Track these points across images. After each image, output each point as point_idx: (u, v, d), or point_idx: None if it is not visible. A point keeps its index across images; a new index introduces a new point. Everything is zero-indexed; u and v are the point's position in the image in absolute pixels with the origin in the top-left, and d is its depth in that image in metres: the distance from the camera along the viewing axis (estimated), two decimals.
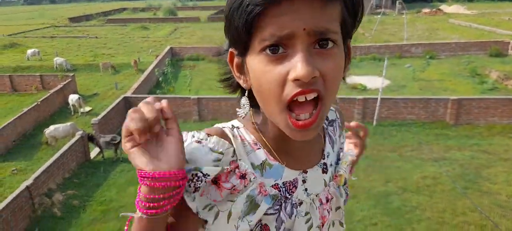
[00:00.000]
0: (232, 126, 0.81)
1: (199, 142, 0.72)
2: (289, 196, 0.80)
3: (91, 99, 17.21)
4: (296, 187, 0.81)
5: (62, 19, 52.42)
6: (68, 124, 12.59)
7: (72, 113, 15.39)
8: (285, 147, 0.80)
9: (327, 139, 0.92)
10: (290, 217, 0.79)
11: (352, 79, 18.38)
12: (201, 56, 23.69)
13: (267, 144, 0.79)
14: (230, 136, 0.76)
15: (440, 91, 15.89)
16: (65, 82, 17.03)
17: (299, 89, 0.62)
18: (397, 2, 42.84)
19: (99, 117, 12.13)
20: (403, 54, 22.38)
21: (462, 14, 41.24)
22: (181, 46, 25.61)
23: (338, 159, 0.94)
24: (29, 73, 20.19)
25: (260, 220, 0.77)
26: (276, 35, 0.61)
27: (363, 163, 10.59)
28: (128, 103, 14.07)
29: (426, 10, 44.78)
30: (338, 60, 0.65)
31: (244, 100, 0.76)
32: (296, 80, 0.62)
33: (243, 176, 0.74)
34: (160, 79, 18.01)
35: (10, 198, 7.98)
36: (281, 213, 0.78)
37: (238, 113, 0.78)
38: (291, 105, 0.65)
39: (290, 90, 0.63)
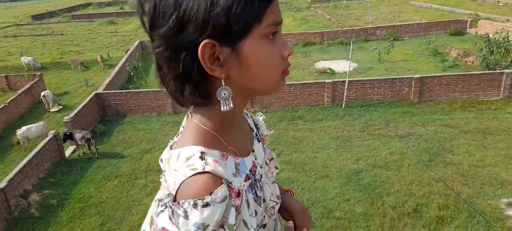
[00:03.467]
0: (200, 156, 0.80)
1: (207, 205, 0.74)
2: (255, 177, 0.92)
3: (61, 97, 16.89)
4: (256, 167, 0.93)
5: (24, 17, 50.38)
6: (41, 123, 12.42)
7: (47, 108, 15.32)
8: (235, 137, 0.90)
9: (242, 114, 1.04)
10: (261, 190, 0.92)
11: (321, 64, 18.86)
12: None
13: (227, 146, 0.86)
14: (215, 169, 0.78)
15: (404, 71, 16.58)
16: (33, 82, 16.62)
17: (289, 63, 0.83)
18: None
19: (72, 114, 12.01)
20: (368, 37, 23.06)
21: None
22: None
23: (256, 126, 1.08)
24: None
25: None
26: (276, 20, 0.77)
27: (335, 143, 11.04)
28: (100, 100, 13.97)
29: None
30: None
31: (227, 90, 0.79)
32: (288, 56, 0.82)
33: (238, 194, 0.82)
34: (132, 73, 17.87)
35: None
36: (257, 192, 0.90)
37: (226, 96, 0.80)
38: None
39: (286, 63, 0.83)
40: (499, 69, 14.40)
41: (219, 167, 0.79)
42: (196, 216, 0.73)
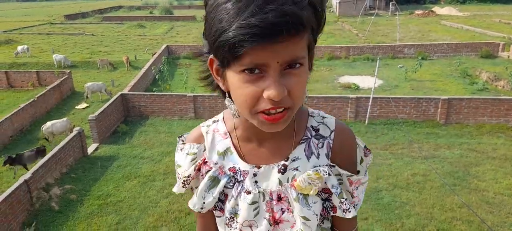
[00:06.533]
0: (213, 121, 1.03)
1: (181, 150, 1.02)
2: (241, 180, 0.96)
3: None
4: (246, 175, 0.96)
5: (58, 16, 52.20)
6: (64, 119, 12.74)
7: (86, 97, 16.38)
8: (251, 137, 0.95)
9: (303, 146, 0.95)
10: (237, 196, 0.96)
11: (346, 79, 18.66)
12: None
13: (235, 136, 0.97)
14: (204, 134, 1.01)
15: (431, 91, 16.19)
16: (62, 79, 17.13)
17: (270, 106, 0.74)
18: (391, 3, 43.17)
19: (97, 113, 12.26)
20: (395, 54, 22.69)
21: (454, 16, 41.66)
22: (177, 44, 25.75)
23: (297, 167, 0.96)
24: (26, 70, 20.25)
25: (222, 191, 1.00)
26: (254, 63, 0.72)
27: None
28: (125, 100, 14.23)
29: (419, 11, 45.09)
30: (303, 77, 0.76)
31: (227, 102, 0.85)
32: (268, 97, 0.73)
33: (204, 163, 0.99)
34: (157, 76, 18.17)
35: (8, 191, 8.09)
36: (233, 190, 0.97)
37: (228, 106, 0.87)
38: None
39: (264, 105, 0.75)
40: None
41: (209, 134, 1.00)
42: (177, 154, 1.03)
